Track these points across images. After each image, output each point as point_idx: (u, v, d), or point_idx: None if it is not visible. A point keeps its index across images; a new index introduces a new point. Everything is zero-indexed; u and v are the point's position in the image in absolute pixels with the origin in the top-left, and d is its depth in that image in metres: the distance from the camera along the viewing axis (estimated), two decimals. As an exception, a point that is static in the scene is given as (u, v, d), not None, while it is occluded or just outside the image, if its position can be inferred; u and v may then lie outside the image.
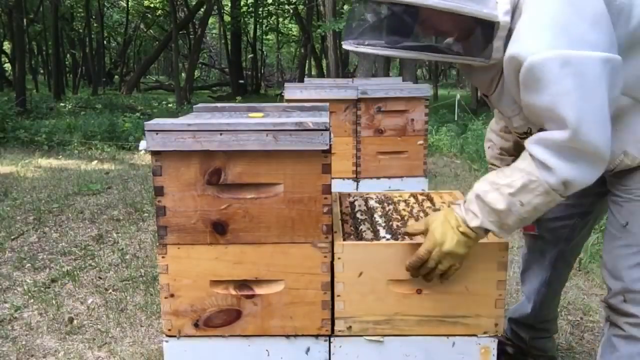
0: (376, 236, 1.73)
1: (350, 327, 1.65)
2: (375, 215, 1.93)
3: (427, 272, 1.56)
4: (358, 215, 1.93)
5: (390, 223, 1.84)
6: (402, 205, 2.02)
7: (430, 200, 2.08)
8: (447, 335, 1.65)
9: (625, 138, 1.59)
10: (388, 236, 1.73)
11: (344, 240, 1.66)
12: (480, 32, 1.51)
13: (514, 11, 1.46)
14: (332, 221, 1.65)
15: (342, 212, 1.96)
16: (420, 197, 2.12)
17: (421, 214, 1.92)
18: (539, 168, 1.42)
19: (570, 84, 1.35)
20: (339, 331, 1.65)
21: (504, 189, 1.45)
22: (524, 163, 1.46)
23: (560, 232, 2.05)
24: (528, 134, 1.56)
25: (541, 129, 1.46)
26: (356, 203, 2.07)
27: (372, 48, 1.55)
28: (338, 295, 1.62)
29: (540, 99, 1.40)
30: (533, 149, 1.44)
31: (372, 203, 2.08)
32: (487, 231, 1.51)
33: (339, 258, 1.60)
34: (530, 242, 2.17)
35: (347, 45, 1.60)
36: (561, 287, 2.23)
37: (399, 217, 1.89)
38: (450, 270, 1.55)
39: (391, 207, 2.00)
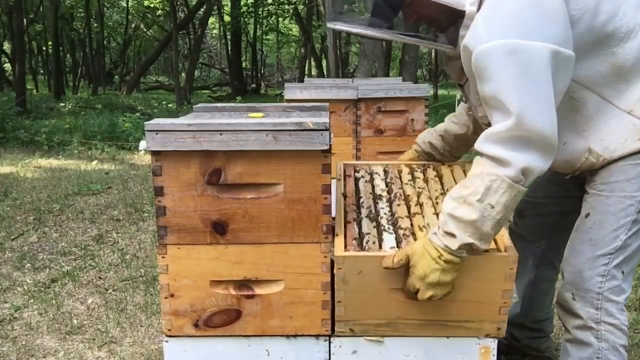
0: (380, 238, 1.69)
1: (351, 329, 1.64)
2: (380, 205, 1.85)
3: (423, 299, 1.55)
4: (363, 203, 1.86)
5: (396, 218, 1.77)
6: (409, 190, 1.92)
7: (440, 177, 2.00)
8: (448, 336, 1.65)
9: (590, 136, 1.61)
10: (392, 242, 1.67)
11: (346, 247, 1.63)
12: (450, 21, 1.58)
13: (481, 2, 1.49)
14: (336, 205, 1.63)
15: (346, 195, 1.90)
16: (429, 172, 2.04)
17: (428, 200, 1.85)
18: (495, 165, 1.44)
19: (514, 72, 1.39)
20: (340, 332, 1.65)
21: (470, 197, 1.46)
22: (478, 168, 1.48)
23: (539, 229, 2.07)
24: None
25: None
26: (361, 186, 1.98)
27: (349, 26, 1.64)
28: (339, 301, 1.61)
29: (487, 86, 1.43)
30: (484, 147, 1.46)
31: (378, 182, 1.99)
32: (471, 247, 1.49)
33: (339, 268, 1.58)
34: (514, 242, 2.17)
35: (330, 24, 1.67)
36: (549, 287, 2.22)
37: (406, 207, 1.83)
38: (449, 294, 1.55)
39: (399, 190, 1.92)
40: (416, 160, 2.11)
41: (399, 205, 1.84)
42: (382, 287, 1.60)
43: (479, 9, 1.49)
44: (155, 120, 1.54)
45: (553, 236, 2.05)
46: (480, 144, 1.48)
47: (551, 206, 2.00)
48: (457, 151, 2.08)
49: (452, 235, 1.48)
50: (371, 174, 2.06)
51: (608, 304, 1.64)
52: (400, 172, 2.06)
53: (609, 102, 1.59)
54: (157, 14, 24.30)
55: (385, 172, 2.07)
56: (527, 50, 1.38)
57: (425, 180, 1.98)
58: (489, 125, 1.54)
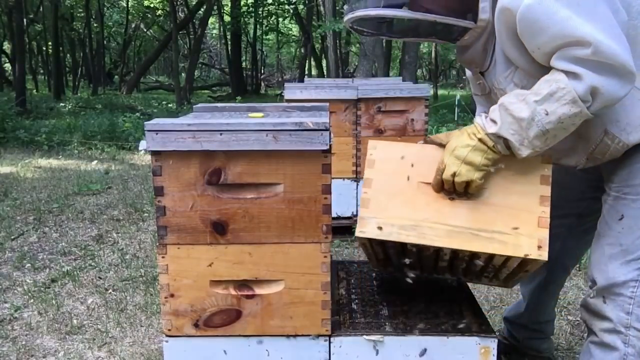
0: None
1: (379, 227, 1.55)
2: None
3: (449, 187, 1.54)
4: None
5: None
6: None
7: None
8: (447, 335, 1.65)
9: (606, 116, 1.56)
10: None
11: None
12: None
13: None
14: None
15: None
16: None
17: None
18: (567, 77, 1.41)
19: (569, 11, 1.36)
20: (361, 232, 1.57)
21: (530, 97, 1.44)
22: (551, 75, 1.44)
23: (555, 232, 2.04)
24: None
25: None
26: None
27: (363, 11, 1.58)
28: (365, 192, 1.57)
29: (549, 33, 1.39)
30: (559, 63, 1.42)
31: None
32: (507, 144, 1.48)
33: (371, 154, 1.60)
34: None
35: (348, 16, 1.63)
36: (557, 290, 2.21)
37: None
38: (471, 185, 1.52)
39: None
40: None
41: None
42: (412, 179, 1.57)
43: None
44: (155, 120, 1.54)
45: (568, 239, 2.02)
46: (556, 61, 1.42)
47: (567, 209, 1.95)
48: None
49: (494, 122, 1.48)
50: None
51: (639, 309, 1.60)
52: None
53: None
54: (157, 14, 24.31)
55: None
56: None
57: None
58: None
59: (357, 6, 1.59)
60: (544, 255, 1.50)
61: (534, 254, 1.49)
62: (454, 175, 1.53)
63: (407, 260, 1.77)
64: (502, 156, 1.55)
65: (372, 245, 1.73)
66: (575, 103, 1.40)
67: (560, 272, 2.13)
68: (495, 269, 1.73)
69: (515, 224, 1.52)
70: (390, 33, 1.76)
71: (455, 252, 1.63)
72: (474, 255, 1.61)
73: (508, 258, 1.56)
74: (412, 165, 1.62)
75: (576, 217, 1.98)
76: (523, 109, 1.44)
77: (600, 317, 1.66)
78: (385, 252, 1.81)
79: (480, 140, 1.51)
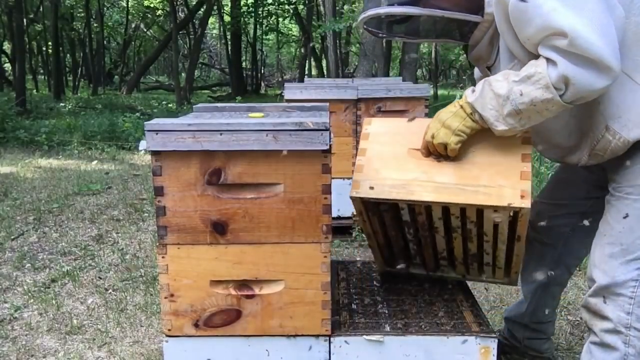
0: None
1: (371, 187, 1.67)
2: None
3: (432, 149, 1.65)
4: None
5: None
6: None
7: None
8: (447, 335, 1.65)
9: (606, 111, 1.56)
10: None
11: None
12: None
13: None
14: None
15: None
16: None
17: None
18: (546, 63, 1.45)
19: (556, 3, 1.39)
20: (356, 191, 1.69)
21: (511, 76, 1.51)
22: (535, 60, 1.49)
23: (558, 231, 2.05)
24: None
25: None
26: None
27: (374, 10, 1.66)
28: (359, 160, 1.71)
29: (535, 24, 1.43)
30: (541, 50, 1.46)
31: None
32: (481, 116, 1.57)
33: (366, 129, 1.75)
34: (529, 244, 2.16)
35: (363, 15, 1.69)
36: (560, 290, 2.21)
37: None
38: (448, 148, 1.62)
39: None
40: None
41: None
42: (403, 147, 1.71)
43: None
44: (155, 120, 1.54)
45: (571, 239, 2.03)
46: (539, 48, 1.46)
47: (571, 207, 1.97)
48: None
49: (474, 92, 1.57)
50: None
51: (639, 309, 1.60)
52: None
53: (627, 76, 1.53)
54: (157, 14, 24.29)
55: None
56: None
57: None
58: None
59: (370, 6, 1.67)
60: (526, 204, 1.56)
61: (517, 202, 1.56)
62: (432, 137, 1.64)
63: (408, 234, 1.86)
64: (482, 128, 1.61)
65: (369, 216, 1.81)
66: (547, 89, 1.44)
67: (562, 272, 2.12)
68: (491, 244, 1.78)
69: (499, 178, 1.61)
70: (404, 34, 1.80)
71: (447, 218, 1.72)
72: (464, 219, 1.70)
73: (496, 225, 1.66)
74: (404, 136, 1.75)
75: (579, 216, 1.98)
76: (503, 87, 1.51)
77: (600, 317, 1.65)
78: (382, 223, 1.88)
79: (461, 107, 1.60)
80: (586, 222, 1.98)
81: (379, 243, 1.96)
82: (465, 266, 1.97)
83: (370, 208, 1.78)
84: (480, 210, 1.63)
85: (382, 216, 1.85)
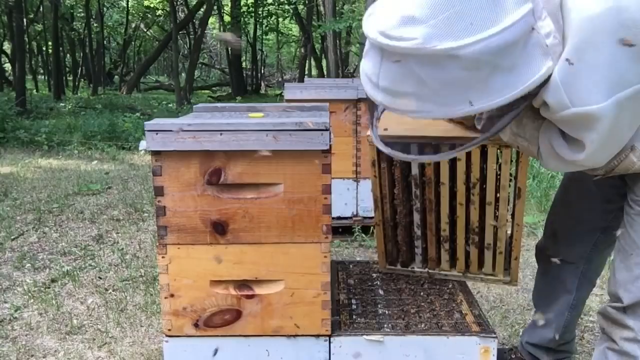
0: None
1: (386, 129, 1.76)
2: None
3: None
4: None
5: None
6: None
7: None
8: (447, 335, 1.66)
9: (636, 133, 1.48)
10: None
11: None
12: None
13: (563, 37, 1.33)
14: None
15: None
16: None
17: None
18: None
19: (628, 115, 1.36)
20: (368, 135, 1.76)
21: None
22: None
23: (581, 249, 1.98)
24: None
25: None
26: None
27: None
28: (378, 120, 1.78)
29: (576, 131, 1.40)
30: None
31: None
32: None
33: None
34: (547, 268, 2.09)
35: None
36: (583, 307, 2.16)
37: None
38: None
39: None
40: None
41: None
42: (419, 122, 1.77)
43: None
44: (155, 120, 1.54)
45: (595, 257, 1.98)
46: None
47: (593, 222, 1.91)
48: None
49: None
50: None
51: None
52: None
53: None
54: (157, 14, 24.29)
55: None
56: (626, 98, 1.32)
57: None
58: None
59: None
60: None
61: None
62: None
63: (414, 196, 1.94)
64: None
65: (381, 168, 1.95)
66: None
67: (587, 289, 2.09)
68: (493, 206, 1.87)
69: None
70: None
71: (453, 175, 1.85)
72: (469, 170, 1.83)
73: (499, 176, 1.83)
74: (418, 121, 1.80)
75: (602, 231, 1.93)
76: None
77: (621, 325, 1.63)
78: (393, 183, 1.97)
79: None
80: (608, 237, 1.90)
81: (384, 223, 2.00)
82: (465, 258, 1.97)
83: (383, 157, 1.91)
84: (484, 152, 1.78)
85: (393, 174, 1.95)
